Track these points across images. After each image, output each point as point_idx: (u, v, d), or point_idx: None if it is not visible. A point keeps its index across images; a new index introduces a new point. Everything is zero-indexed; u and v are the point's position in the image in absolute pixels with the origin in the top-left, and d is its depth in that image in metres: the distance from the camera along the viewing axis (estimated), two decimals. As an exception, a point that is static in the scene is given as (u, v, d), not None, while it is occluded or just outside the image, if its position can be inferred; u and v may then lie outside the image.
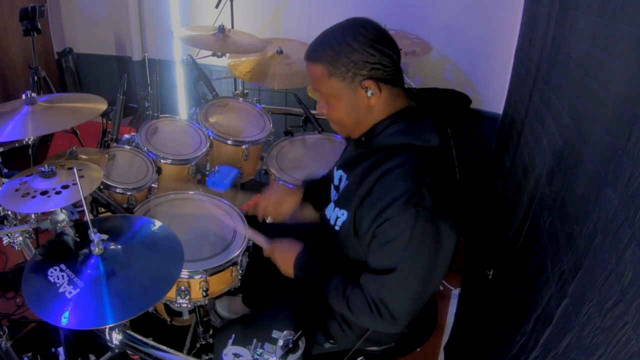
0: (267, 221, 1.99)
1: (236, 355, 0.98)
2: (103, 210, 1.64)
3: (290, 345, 0.98)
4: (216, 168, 2.03)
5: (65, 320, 0.98)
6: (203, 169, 2.12)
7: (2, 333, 1.27)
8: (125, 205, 1.69)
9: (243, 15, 2.80)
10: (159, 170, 1.88)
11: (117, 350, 1.17)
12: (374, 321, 1.07)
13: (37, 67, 2.65)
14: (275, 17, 3.04)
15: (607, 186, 0.84)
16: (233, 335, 1.05)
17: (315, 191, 1.47)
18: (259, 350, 0.98)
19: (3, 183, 1.33)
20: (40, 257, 1.16)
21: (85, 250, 1.15)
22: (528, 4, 2.28)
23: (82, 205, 1.14)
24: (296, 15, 2.96)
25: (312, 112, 2.28)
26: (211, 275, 1.42)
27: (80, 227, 1.24)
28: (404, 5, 2.63)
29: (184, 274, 1.38)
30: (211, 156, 2.14)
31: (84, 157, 1.64)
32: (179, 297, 1.41)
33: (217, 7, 2.57)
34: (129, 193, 1.74)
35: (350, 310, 1.11)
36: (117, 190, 1.72)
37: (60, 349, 1.68)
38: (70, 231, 1.24)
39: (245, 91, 2.60)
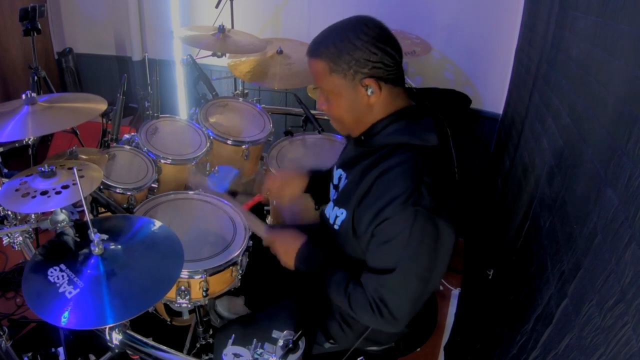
0: (267, 221, 1.99)
1: (236, 355, 0.98)
2: (103, 210, 1.64)
3: (290, 345, 0.98)
4: (216, 168, 2.03)
5: (65, 320, 0.98)
6: (203, 169, 2.11)
7: (2, 333, 1.26)
8: (125, 205, 1.69)
9: (243, 15, 2.80)
10: (159, 170, 1.88)
11: (117, 350, 1.17)
12: (375, 320, 1.07)
13: (37, 67, 2.65)
14: (275, 17, 3.04)
15: (607, 186, 0.84)
16: (233, 335, 1.05)
17: (319, 183, 1.47)
18: (259, 350, 0.98)
19: (3, 183, 1.33)
20: (40, 257, 1.15)
21: (85, 250, 1.15)
22: (528, 4, 2.28)
23: (82, 205, 1.13)
24: (296, 15, 2.96)
25: (312, 112, 2.28)
26: (211, 275, 1.42)
27: (80, 227, 1.24)
28: (404, 5, 2.63)
29: (184, 274, 1.38)
30: (211, 156, 2.14)
31: (84, 157, 1.64)
32: (179, 297, 1.41)
33: (217, 7, 2.57)
34: (129, 193, 1.74)
35: (351, 308, 1.11)
36: (117, 190, 1.72)
37: (60, 349, 1.68)
38: (70, 231, 1.24)
39: (245, 91, 2.60)
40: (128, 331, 1.15)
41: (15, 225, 1.44)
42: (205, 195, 1.74)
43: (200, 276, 1.40)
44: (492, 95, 2.66)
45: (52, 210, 1.24)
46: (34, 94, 1.40)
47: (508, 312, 1.39)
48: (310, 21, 2.92)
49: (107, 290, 1.05)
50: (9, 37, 3.30)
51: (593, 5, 1.16)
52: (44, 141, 3.23)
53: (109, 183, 1.70)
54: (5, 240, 1.34)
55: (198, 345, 1.73)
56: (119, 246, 1.17)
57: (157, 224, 1.29)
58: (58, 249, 1.19)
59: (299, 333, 1.00)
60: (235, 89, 2.69)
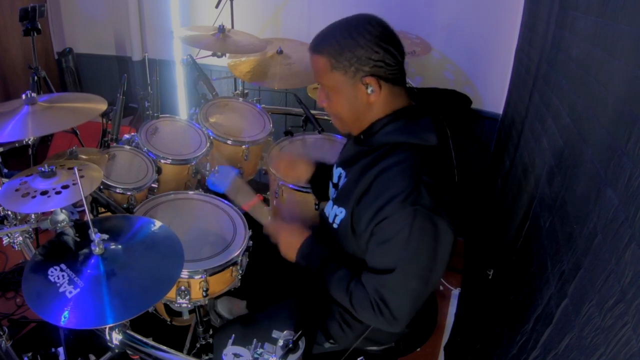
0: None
1: (236, 355, 0.98)
2: (103, 210, 1.64)
3: (290, 345, 0.98)
4: (216, 168, 2.02)
5: (65, 320, 0.98)
6: (203, 169, 2.12)
7: (2, 333, 1.26)
8: (125, 205, 1.69)
9: (243, 15, 2.80)
10: (159, 170, 1.88)
11: (117, 350, 1.16)
12: (376, 319, 1.07)
13: (37, 67, 2.65)
14: (275, 17, 3.04)
15: (607, 186, 0.84)
16: (233, 335, 1.05)
17: (323, 176, 1.46)
18: (259, 350, 0.98)
19: (3, 183, 1.32)
20: (40, 257, 1.15)
21: (86, 250, 1.15)
22: (528, 4, 2.28)
23: (82, 205, 1.14)
24: (296, 15, 2.96)
25: (312, 112, 2.28)
26: (211, 275, 1.42)
27: (80, 227, 1.24)
28: (404, 5, 2.63)
29: (184, 274, 1.38)
30: (211, 156, 2.14)
31: (84, 157, 1.64)
32: (179, 297, 1.41)
33: (217, 7, 2.57)
34: (129, 193, 1.74)
35: (352, 306, 1.11)
36: (117, 190, 1.72)
37: (60, 349, 1.68)
38: (70, 231, 1.24)
39: (245, 91, 2.60)
40: (128, 331, 1.15)
41: (15, 225, 1.44)
42: (205, 195, 1.74)
43: (200, 276, 1.40)
44: (492, 95, 2.66)
45: (52, 210, 1.24)
46: (34, 94, 1.40)
47: (508, 312, 1.39)
48: (310, 21, 2.92)
49: (107, 290, 1.05)
50: (9, 37, 3.31)
51: (593, 5, 1.16)
52: (44, 141, 3.23)
53: (109, 183, 1.70)
54: (5, 240, 1.34)
55: (198, 345, 1.73)
56: (119, 246, 1.17)
57: (157, 224, 1.29)
58: (58, 249, 1.19)
59: (299, 333, 1.00)
60: (235, 89, 2.69)
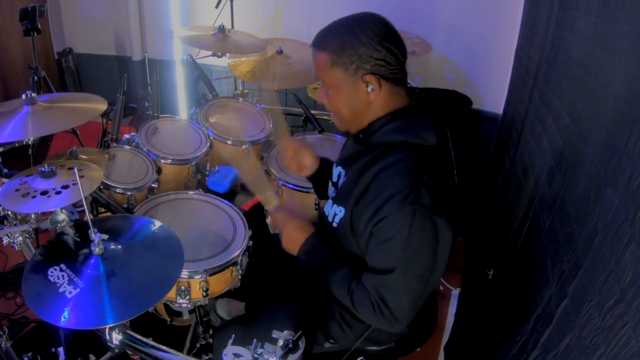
0: (267, 222, 1.98)
1: (236, 355, 0.98)
2: (103, 210, 1.64)
3: (290, 345, 0.97)
4: (216, 168, 2.03)
5: (65, 320, 0.98)
6: (203, 169, 2.11)
7: (2, 333, 1.26)
8: (125, 205, 1.69)
9: (243, 15, 2.80)
10: (159, 170, 1.88)
11: (117, 350, 1.16)
12: (376, 319, 1.07)
13: (37, 67, 2.65)
14: (275, 17, 3.04)
15: (607, 186, 0.84)
16: (233, 335, 1.05)
17: (326, 173, 1.43)
18: (259, 350, 0.98)
19: (3, 183, 1.33)
20: (40, 257, 1.15)
21: (86, 250, 1.15)
22: (528, 4, 2.28)
23: (82, 205, 1.14)
24: (296, 15, 2.96)
25: (312, 112, 2.28)
26: (211, 275, 1.42)
27: (80, 227, 1.24)
28: (404, 5, 2.63)
29: (184, 274, 1.38)
30: (211, 156, 2.14)
31: (84, 157, 1.64)
32: (179, 297, 1.41)
33: (217, 7, 2.57)
34: (129, 193, 1.74)
35: (353, 305, 1.11)
36: (117, 190, 1.72)
37: (60, 349, 1.68)
38: (70, 231, 1.24)
39: (245, 91, 2.60)
40: (128, 331, 1.15)
41: (15, 225, 1.44)
42: (205, 195, 1.75)
43: (200, 276, 1.40)
44: (492, 95, 2.66)
45: (52, 210, 1.24)
46: (34, 94, 1.40)
47: (508, 312, 1.39)
48: (310, 21, 2.92)
49: (107, 290, 1.05)
50: (9, 37, 3.30)
51: (593, 5, 1.16)
52: (44, 141, 3.23)
53: (109, 183, 1.70)
54: (5, 240, 1.34)
55: (198, 345, 1.73)
56: (119, 246, 1.17)
57: (157, 224, 1.29)
58: (58, 249, 1.19)
59: (299, 333, 1.00)
60: (235, 89, 2.69)
